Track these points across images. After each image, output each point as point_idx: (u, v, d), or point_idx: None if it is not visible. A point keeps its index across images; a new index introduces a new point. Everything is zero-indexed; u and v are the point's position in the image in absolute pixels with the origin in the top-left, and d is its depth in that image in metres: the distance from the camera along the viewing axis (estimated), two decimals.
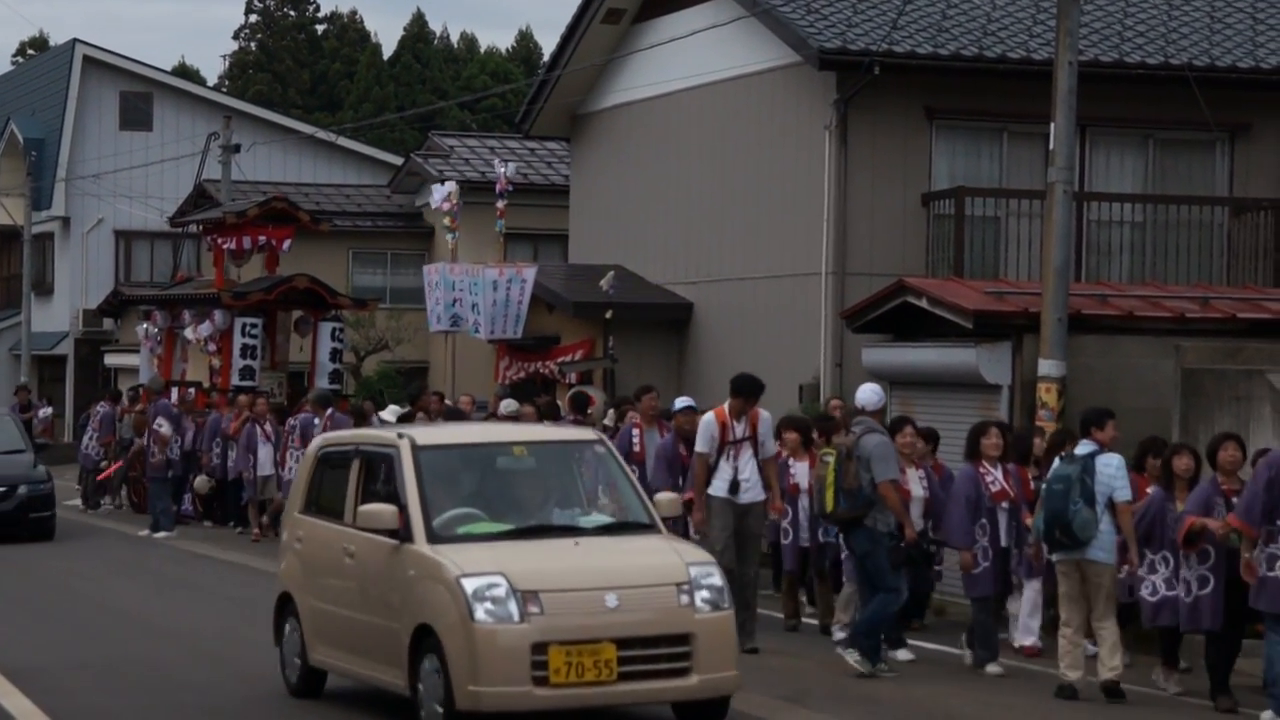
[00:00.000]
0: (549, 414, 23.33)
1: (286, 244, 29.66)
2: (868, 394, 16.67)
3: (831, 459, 15.91)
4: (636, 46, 30.43)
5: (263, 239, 29.46)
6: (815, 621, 18.61)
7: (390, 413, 25.05)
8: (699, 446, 17.20)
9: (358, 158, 51.53)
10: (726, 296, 28.10)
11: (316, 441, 15.49)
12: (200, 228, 32.26)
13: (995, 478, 16.39)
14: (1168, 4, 27.44)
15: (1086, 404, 19.90)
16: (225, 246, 29.81)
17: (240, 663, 16.04)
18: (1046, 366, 19.47)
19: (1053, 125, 19.48)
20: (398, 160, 46.80)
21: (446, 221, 28.80)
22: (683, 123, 29.41)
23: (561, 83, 32.19)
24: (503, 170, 28.29)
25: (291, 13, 78.21)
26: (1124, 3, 27.26)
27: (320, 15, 78.83)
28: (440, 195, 28.87)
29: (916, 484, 17.46)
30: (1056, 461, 15.25)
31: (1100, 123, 25.33)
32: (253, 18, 78.22)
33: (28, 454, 27.57)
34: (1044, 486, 15.12)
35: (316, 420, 23.09)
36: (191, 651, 16.94)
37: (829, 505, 15.87)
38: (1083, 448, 14.97)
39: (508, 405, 23.06)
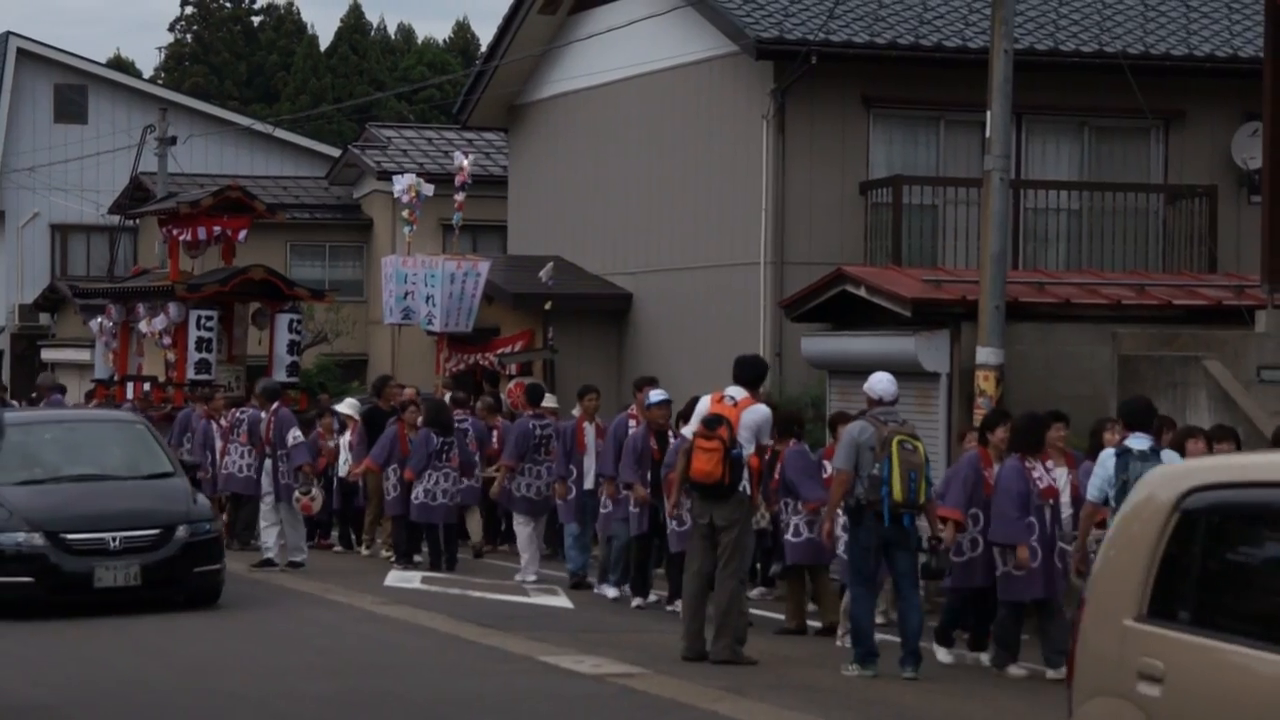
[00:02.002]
0: (492, 406, 23.35)
1: (243, 234, 29.37)
2: (886, 384, 15.36)
3: (916, 446, 14.80)
4: (574, 37, 30.40)
5: (218, 229, 29.12)
6: (819, 623, 17.35)
7: (349, 406, 24.86)
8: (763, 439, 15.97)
9: (295, 149, 51.33)
10: (666, 286, 28.12)
11: (1176, 481, 7.88)
12: (134, 221, 32.00)
13: (1042, 472, 15.13)
14: None
15: (1024, 391, 20.07)
16: (180, 238, 29.49)
17: None
18: (984, 354, 19.53)
19: (989, 113, 19.53)
20: (335, 152, 46.66)
21: (405, 214, 28.68)
22: (621, 113, 29.41)
23: (499, 73, 32.15)
24: (464, 162, 28.06)
25: (228, 4, 77.85)
26: None
27: (256, 7, 78.49)
28: (401, 186, 28.75)
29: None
30: (1112, 457, 13.72)
31: (1036, 111, 25.45)
32: (189, 10, 77.80)
33: (178, 478, 19.37)
34: (1132, 485, 12.90)
35: (263, 415, 22.77)
36: None
37: (921, 494, 14.72)
38: (1139, 441, 13.70)
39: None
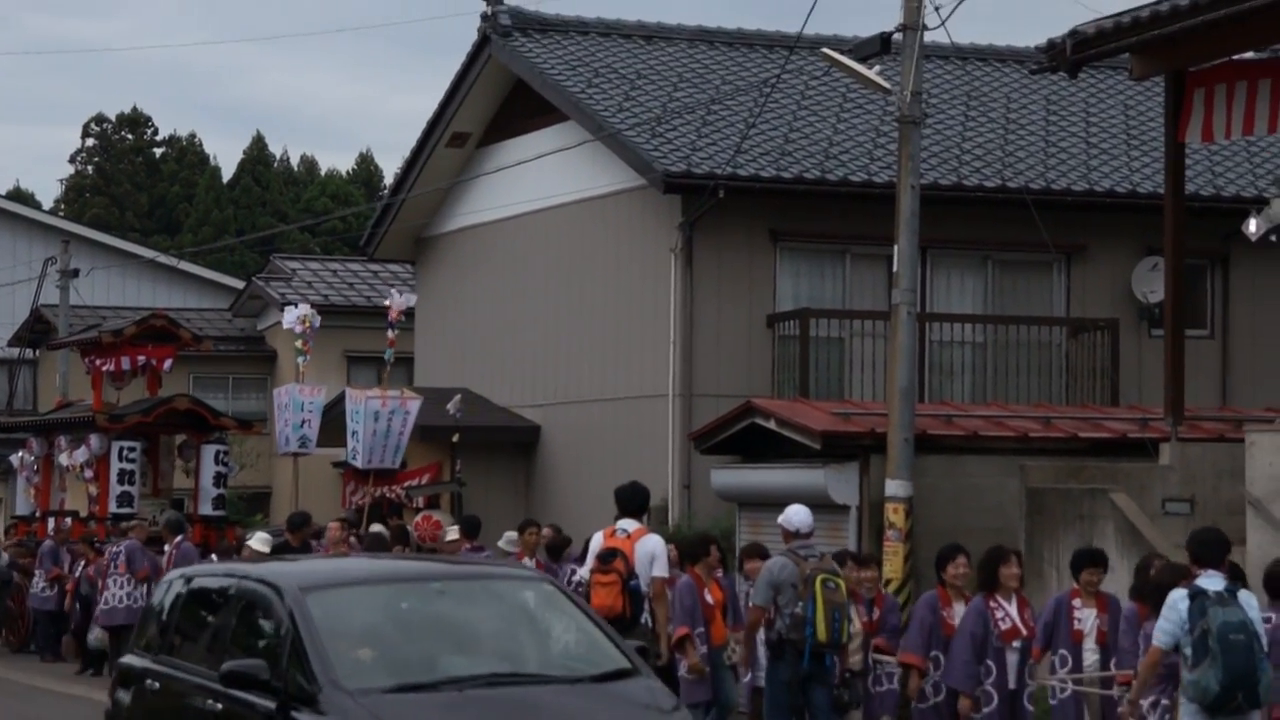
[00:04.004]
0: (400, 539, 23.14)
1: (168, 364, 29.09)
2: (804, 516, 15.40)
3: (839, 584, 14.79)
4: (482, 170, 30.54)
5: (142, 359, 28.79)
6: None
7: (260, 541, 24.52)
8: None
9: (198, 281, 51.12)
10: (574, 419, 28.12)
11: None
12: (34, 353, 31.62)
13: (1007, 613, 14.74)
14: (1004, 128, 27.99)
15: (933, 523, 20.15)
16: (104, 368, 29.14)
17: None
18: (894, 487, 19.56)
19: (896, 248, 19.70)
20: (239, 284, 46.55)
21: (299, 344, 28.52)
22: (529, 245, 29.51)
23: (406, 206, 32.22)
24: (399, 300, 27.90)
25: (129, 136, 77.71)
26: (961, 127, 27.78)
27: (159, 138, 78.39)
28: (293, 317, 28.61)
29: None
30: (1184, 600, 11.88)
31: (940, 244, 25.71)
32: (90, 141, 77.63)
33: (645, 679, 11.41)
34: (1215, 635, 11.62)
35: (167, 548, 22.41)
36: None
37: (844, 634, 14.72)
38: (1213, 582, 11.91)
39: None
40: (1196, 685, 11.67)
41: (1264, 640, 11.76)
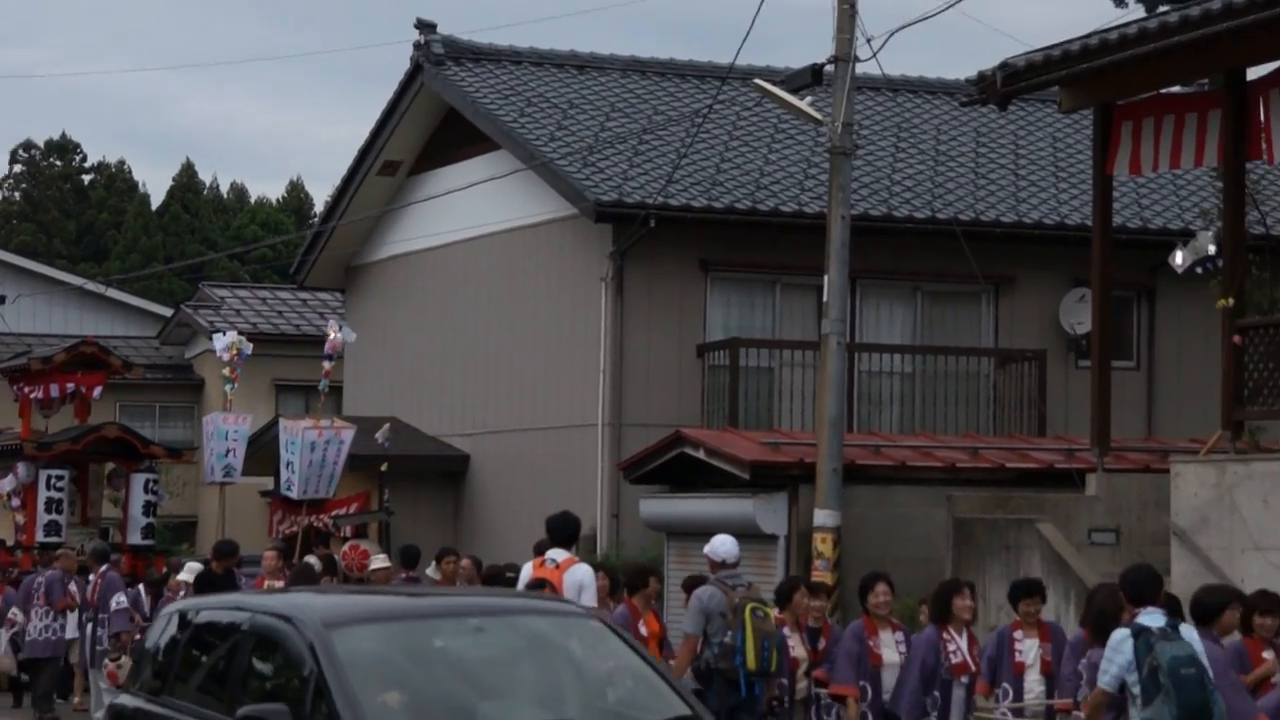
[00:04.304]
0: (329, 569, 23.00)
1: (98, 391, 28.91)
2: (730, 546, 15.33)
3: (768, 613, 14.75)
4: (413, 198, 30.52)
5: (71, 386, 28.61)
6: None
7: (189, 571, 24.35)
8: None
9: (126, 309, 50.76)
10: (503, 448, 28.09)
11: None
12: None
13: (959, 647, 14.73)
14: (934, 160, 28.16)
15: (861, 553, 20.20)
16: (32, 395, 28.94)
17: None
18: (822, 516, 19.62)
19: (826, 278, 19.78)
20: (167, 311, 46.31)
21: (226, 372, 28.40)
22: (460, 274, 29.49)
23: (337, 234, 32.17)
24: (339, 335, 27.78)
25: (57, 163, 77.27)
26: (892, 158, 27.94)
27: (87, 165, 77.99)
28: (222, 344, 28.49)
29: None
30: (1128, 639, 11.68)
31: (870, 275, 25.82)
32: (17, 167, 77.16)
33: None
34: (1166, 671, 11.49)
35: (92, 577, 22.23)
36: None
37: (773, 663, 14.60)
38: (1154, 619, 11.70)
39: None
40: None
41: (1211, 673, 11.60)
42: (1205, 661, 11.55)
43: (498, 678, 9.94)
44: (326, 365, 27.79)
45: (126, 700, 11.64)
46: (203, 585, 23.54)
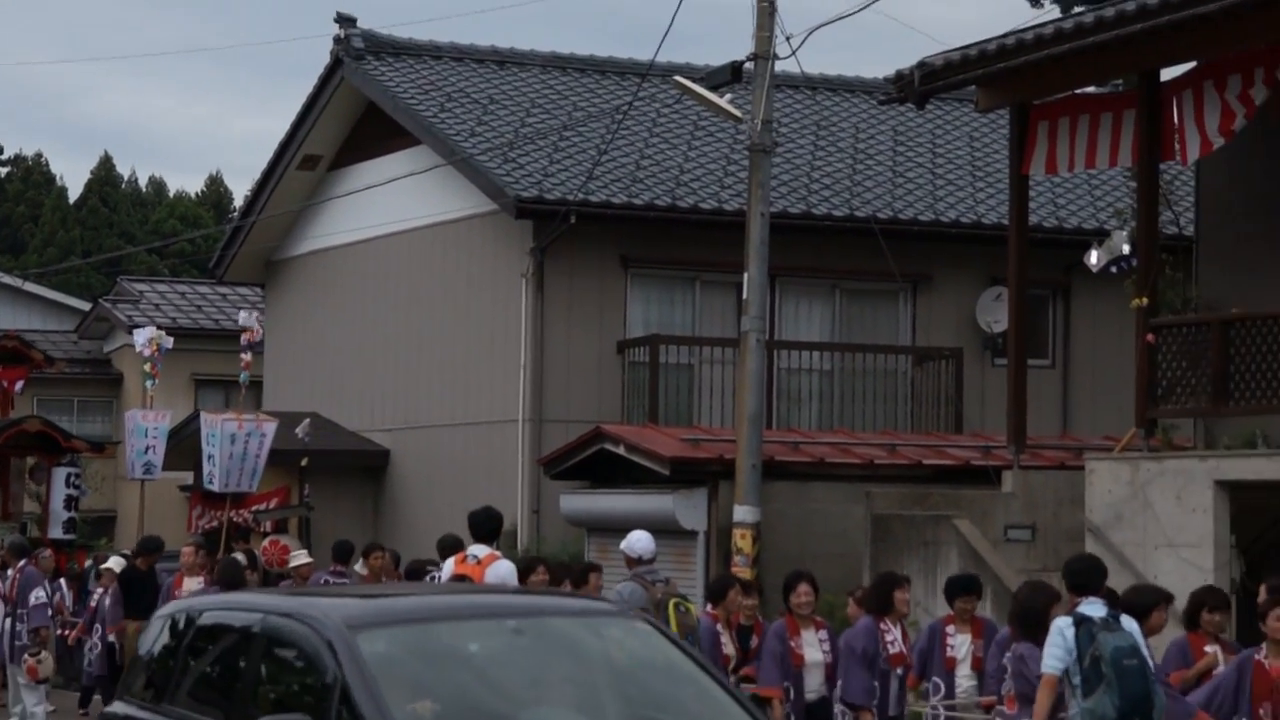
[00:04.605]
0: (249, 564, 22.96)
1: (19, 385, 28.77)
2: (646, 542, 15.40)
3: (689, 609, 14.73)
4: (333, 193, 30.50)
5: None
6: None
7: (115, 563, 24.27)
8: None
9: (43, 303, 50.44)
10: (424, 444, 28.12)
11: None
12: None
13: (895, 637, 14.70)
14: (852, 158, 28.34)
15: (780, 548, 20.35)
16: None
17: None
18: (742, 513, 19.74)
19: (746, 275, 19.91)
20: (85, 305, 46.07)
21: (147, 367, 28.32)
22: (380, 269, 29.50)
23: (256, 228, 32.10)
24: (251, 321, 27.70)
25: None
26: (811, 156, 28.10)
27: (3, 158, 77.41)
28: (143, 339, 28.40)
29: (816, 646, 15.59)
30: (1070, 627, 11.81)
31: (790, 273, 25.96)
32: None
33: None
34: (1108, 661, 11.61)
35: (10, 572, 22.14)
36: None
37: None
38: (1095, 608, 11.84)
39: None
40: (1092, 713, 11.58)
41: (1152, 665, 11.74)
42: (1147, 653, 11.67)
43: (538, 685, 9.04)
44: (245, 357, 27.77)
45: (120, 708, 10.76)
46: (126, 582, 23.52)
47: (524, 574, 16.32)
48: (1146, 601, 12.96)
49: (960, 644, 14.75)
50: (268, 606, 9.91)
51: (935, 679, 14.82)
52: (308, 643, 9.04)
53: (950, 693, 14.75)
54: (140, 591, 22.72)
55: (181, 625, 10.50)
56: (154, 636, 10.81)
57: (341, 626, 8.91)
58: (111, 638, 23.49)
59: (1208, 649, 13.34)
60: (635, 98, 26.87)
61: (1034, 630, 12.49)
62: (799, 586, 15.24)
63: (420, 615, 9.49)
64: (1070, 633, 11.69)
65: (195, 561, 22.51)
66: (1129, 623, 11.80)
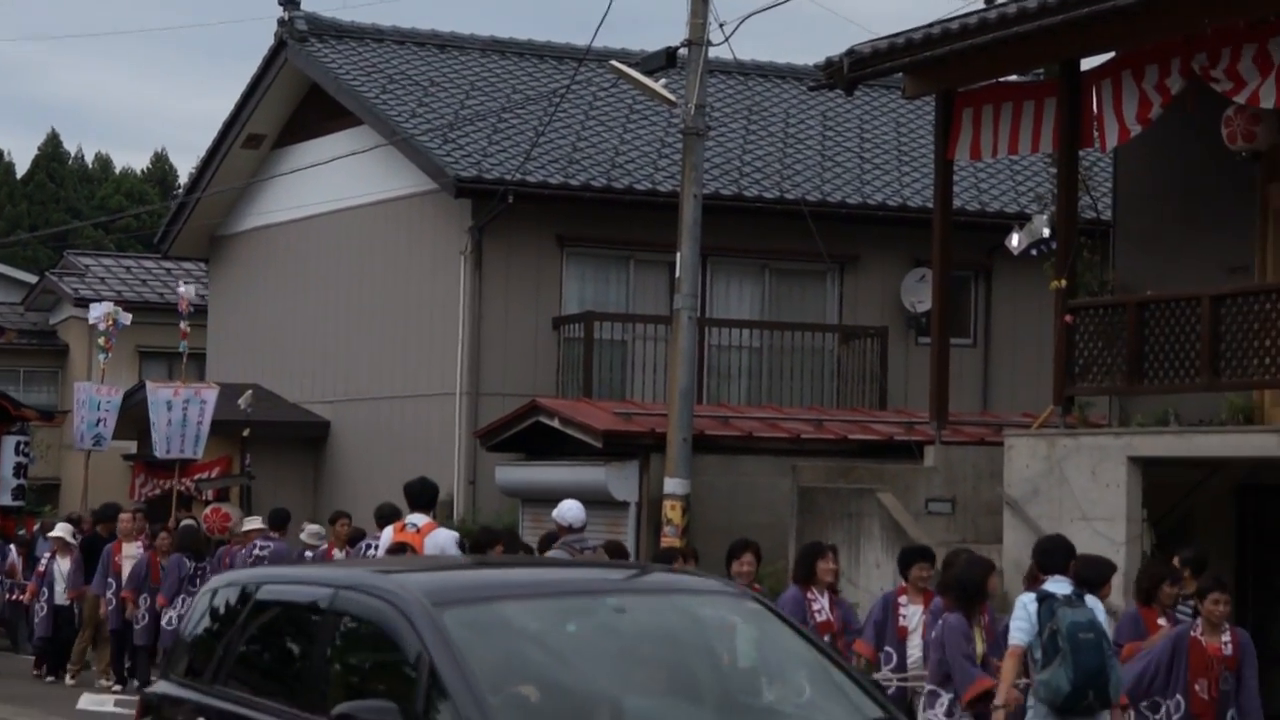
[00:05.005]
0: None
1: None
2: (576, 511, 15.66)
3: None
4: (276, 171, 30.82)
5: None
6: None
7: (63, 529, 24.60)
8: None
9: None
10: (364, 416, 28.52)
11: None
12: None
13: (823, 606, 14.86)
14: (783, 142, 28.77)
15: (709, 519, 20.81)
16: None
17: None
18: (672, 485, 20.03)
19: (678, 255, 20.25)
20: (32, 278, 46.26)
21: (101, 341, 28.69)
22: (322, 246, 29.85)
23: (201, 205, 32.41)
24: (184, 291, 28.08)
25: None
26: (743, 140, 28.53)
27: None
28: (98, 313, 28.76)
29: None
30: (1033, 602, 12.14)
31: (721, 252, 26.27)
32: None
33: None
34: (1065, 635, 11.88)
35: None
36: None
37: None
38: (1060, 586, 12.20)
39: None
40: (1047, 685, 11.80)
41: (1111, 640, 11.99)
42: (1105, 629, 11.95)
43: (645, 669, 8.24)
44: (183, 326, 28.13)
45: (163, 688, 9.92)
46: (87, 548, 23.86)
47: (480, 549, 16.54)
48: (1104, 574, 13.21)
49: (912, 614, 14.87)
50: (340, 581, 8.95)
51: (888, 648, 14.89)
52: (389, 621, 8.16)
53: (902, 663, 14.84)
54: (100, 557, 23.14)
55: (235, 600, 9.55)
56: (201, 612, 9.87)
57: (426, 603, 8.07)
58: (69, 602, 23.92)
59: (1160, 622, 13.69)
60: (572, 81, 27.16)
61: (969, 602, 13.04)
62: (744, 555, 15.32)
63: (510, 591, 8.60)
64: (1033, 608, 12.04)
65: (133, 527, 22.97)
66: (1093, 601, 12.12)
